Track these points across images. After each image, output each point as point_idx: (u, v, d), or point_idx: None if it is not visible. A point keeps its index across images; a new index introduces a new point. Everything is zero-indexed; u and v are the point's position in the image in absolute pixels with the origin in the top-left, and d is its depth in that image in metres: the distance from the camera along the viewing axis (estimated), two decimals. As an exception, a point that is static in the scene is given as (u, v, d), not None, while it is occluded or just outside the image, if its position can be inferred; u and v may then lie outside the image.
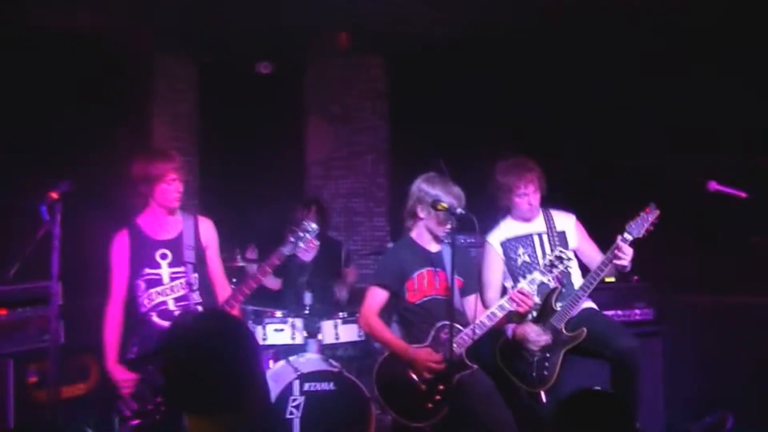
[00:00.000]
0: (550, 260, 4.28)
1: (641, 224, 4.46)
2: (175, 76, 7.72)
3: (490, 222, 4.87)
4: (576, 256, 4.70)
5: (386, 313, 4.50)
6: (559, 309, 4.57)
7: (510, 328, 4.59)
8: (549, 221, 4.80)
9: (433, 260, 4.41)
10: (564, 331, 4.53)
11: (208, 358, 2.08)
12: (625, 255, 4.43)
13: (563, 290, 4.63)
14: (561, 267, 4.28)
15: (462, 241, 5.16)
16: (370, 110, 7.83)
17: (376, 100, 7.83)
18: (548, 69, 6.66)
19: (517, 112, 6.81)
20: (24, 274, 4.49)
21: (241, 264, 5.78)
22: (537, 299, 4.53)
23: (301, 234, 4.20)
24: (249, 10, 6.30)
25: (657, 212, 4.47)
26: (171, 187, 4.13)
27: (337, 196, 7.86)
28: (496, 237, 4.80)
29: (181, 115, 7.74)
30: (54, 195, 3.90)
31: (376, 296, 4.38)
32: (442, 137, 6.89)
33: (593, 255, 4.72)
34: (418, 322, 4.34)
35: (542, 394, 4.57)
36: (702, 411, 5.49)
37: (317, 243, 4.81)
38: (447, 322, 4.19)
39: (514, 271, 4.71)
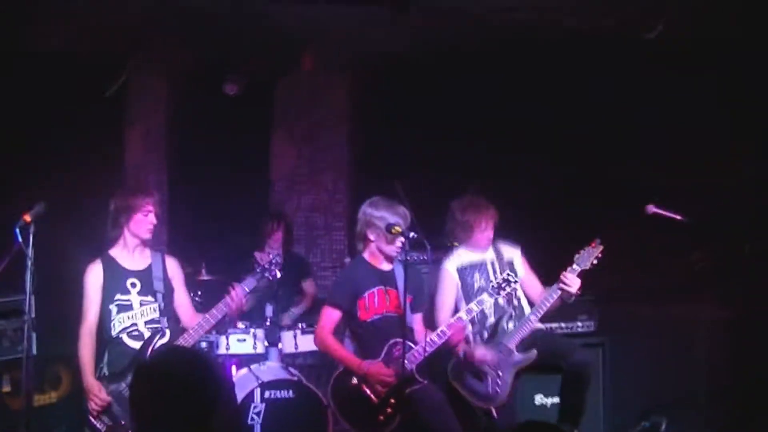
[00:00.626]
0: (498, 282, 4.62)
1: (587, 257, 4.80)
2: (147, 90, 7.82)
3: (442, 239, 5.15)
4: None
5: (340, 328, 4.73)
6: (510, 329, 4.88)
7: (461, 349, 4.83)
8: (498, 251, 5.11)
9: (384, 279, 4.63)
10: (516, 351, 4.81)
11: (175, 394, 2.16)
12: (572, 284, 4.75)
13: (515, 312, 4.96)
14: (508, 289, 4.63)
15: (414, 258, 5.39)
16: (333, 128, 8.01)
17: (339, 118, 8.02)
18: (548, 69, 6.53)
19: (498, 120, 6.76)
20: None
21: (206, 278, 5.97)
22: (492, 319, 4.90)
23: (268, 267, 4.59)
24: (229, 28, 6.31)
25: (601, 247, 4.81)
26: (146, 219, 4.47)
27: (299, 210, 8.04)
28: (453, 263, 5.07)
29: (152, 130, 7.86)
30: (27, 218, 4.04)
31: (330, 316, 4.61)
32: (405, 156, 7.05)
33: (535, 286, 5.06)
34: (370, 339, 4.57)
35: (494, 410, 4.83)
36: (639, 417, 5.83)
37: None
38: (399, 339, 4.46)
39: (470, 294, 4.95)
